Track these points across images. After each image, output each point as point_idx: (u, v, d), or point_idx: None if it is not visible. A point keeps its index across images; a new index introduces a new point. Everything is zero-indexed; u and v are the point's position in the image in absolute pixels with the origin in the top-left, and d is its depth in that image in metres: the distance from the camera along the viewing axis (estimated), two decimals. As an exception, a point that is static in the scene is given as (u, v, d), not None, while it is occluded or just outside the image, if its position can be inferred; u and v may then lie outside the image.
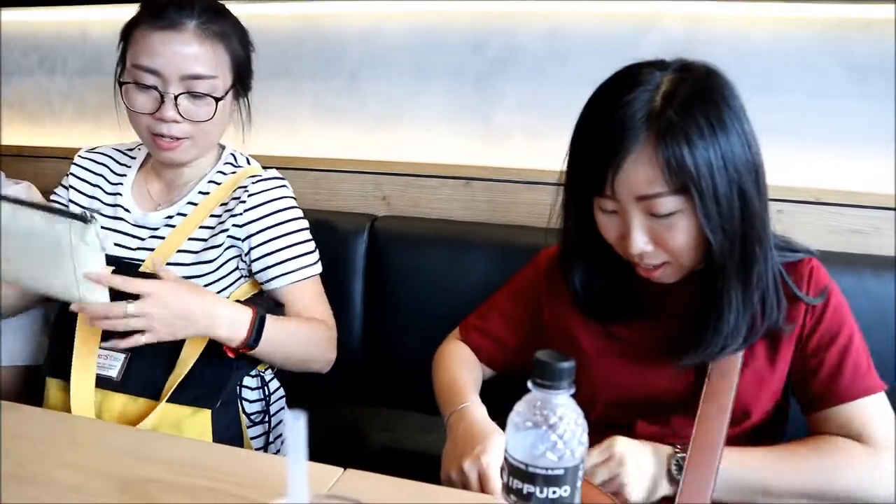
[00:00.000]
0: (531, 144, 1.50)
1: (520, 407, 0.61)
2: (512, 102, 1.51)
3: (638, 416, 0.97)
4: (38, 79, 1.50)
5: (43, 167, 1.77)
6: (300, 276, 1.18)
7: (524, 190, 1.46)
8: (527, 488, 0.59)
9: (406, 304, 1.40)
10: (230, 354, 1.08)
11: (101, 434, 0.89)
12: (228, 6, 1.16)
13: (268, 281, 1.18)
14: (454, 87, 1.54)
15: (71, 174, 1.26)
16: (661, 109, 0.82)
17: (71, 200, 1.23)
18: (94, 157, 1.28)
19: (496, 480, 0.82)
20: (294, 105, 1.67)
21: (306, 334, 1.15)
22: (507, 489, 0.60)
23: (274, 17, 1.60)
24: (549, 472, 0.58)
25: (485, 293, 1.18)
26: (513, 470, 0.60)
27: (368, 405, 1.52)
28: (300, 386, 1.23)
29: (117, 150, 1.29)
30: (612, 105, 0.85)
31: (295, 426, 0.38)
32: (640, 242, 0.86)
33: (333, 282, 1.24)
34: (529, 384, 0.60)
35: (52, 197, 1.27)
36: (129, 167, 1.26)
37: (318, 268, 1.22)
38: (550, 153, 1.28)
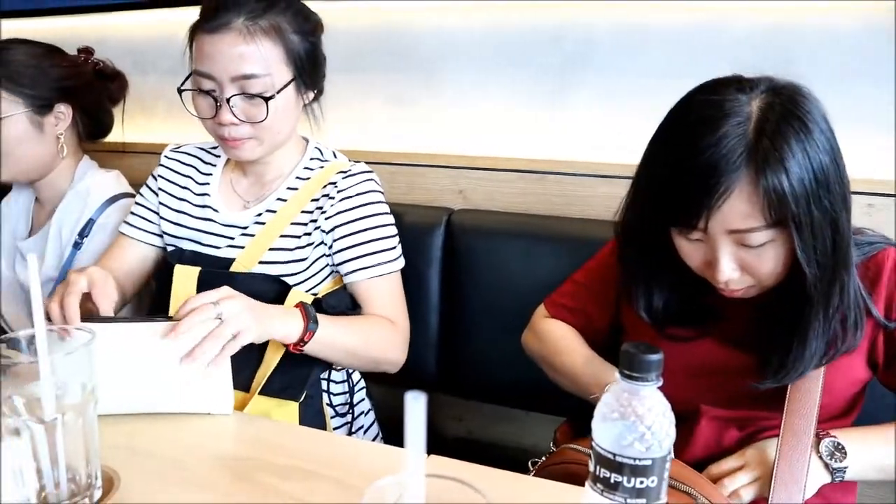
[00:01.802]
0: (608, 138, 1.49)
1: (607, 398, 0.62)
2: (589, 95, 1.50)
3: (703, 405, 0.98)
4: (133, 79, 1.59)
5: (134, 162, 1.85)
6: (379, 272, 1.18)
7: (600, 184, 1.45)
8: (614, 477, 0.60)
9: (481, 296, 1.41)
10: (294, 349, 1.05)
11: (200, 415, 0.95)
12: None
13: (347, 274, 1.19)
14: (530, 80, 1.54)
15: (160, 176, 1.28)
16: (756, 142, 0.80)
17: (161, 203, 1.26)
18: (180, 156, 1.29)
19: None
20: (369, 98, 1.70)
21: (364, 329, 1.13)
22: (595, 478, 0.62)
23: (350, 9, 1.64)
24: (637, 463, 0.59)
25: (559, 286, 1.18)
26: (600, 459, 0.61)
27: (443, 395, 1.55)
28: (378, 377, 1.26)
29: (202, 148, 1.31)
30: (703, 143, 0.81)
31: (415, 406, 0.40)
32: (727, 271, 0.86)
33: (411, 274, 1.26)
34: (617, 375, 0.61)
35: (139, 200, 1.28)
36: (215, 166, 1.27)
37: (399, 264, 1.21)
38: (627, 148, 1.28)
